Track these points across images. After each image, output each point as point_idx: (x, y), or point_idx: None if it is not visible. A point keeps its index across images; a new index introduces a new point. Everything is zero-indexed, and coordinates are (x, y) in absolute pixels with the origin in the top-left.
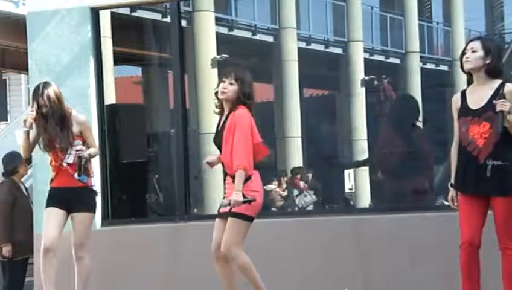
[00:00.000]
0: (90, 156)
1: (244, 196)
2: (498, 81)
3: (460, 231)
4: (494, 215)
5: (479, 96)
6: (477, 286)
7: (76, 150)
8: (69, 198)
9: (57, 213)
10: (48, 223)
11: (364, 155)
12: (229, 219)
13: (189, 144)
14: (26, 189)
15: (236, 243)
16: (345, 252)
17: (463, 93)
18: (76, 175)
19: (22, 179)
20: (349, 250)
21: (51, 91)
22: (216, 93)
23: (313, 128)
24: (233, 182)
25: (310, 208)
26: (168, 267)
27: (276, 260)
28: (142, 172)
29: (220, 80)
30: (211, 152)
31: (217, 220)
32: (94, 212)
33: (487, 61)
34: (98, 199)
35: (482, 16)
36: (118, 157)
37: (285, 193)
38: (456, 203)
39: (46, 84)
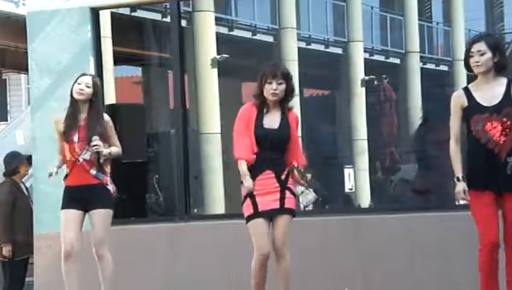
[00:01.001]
0: (111, 155)
1: (291, 189)
2: (504, 78)
3: (480, 231)
4: (506, 214)
5: (490, 93)
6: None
7: (93, 145)
8: (85, 195)
9: (74, 214)
10: (67, 226)
11: (364, 155)
12: (287, 216)
13: (189, 144)
14: (26, 189)
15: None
16: (345, 252)
17: (467, 90)
18: (92, 171)
19: (23, 179)
20: (349, 250)
21: (97, 80)
22: (260, 94)
23: (313, 128)
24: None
25: (310, 208)
26: (168, 267)
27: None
28: (142, 172)
29: (264, 81)
30: (211, 152)
31: (263, 220)
32: (112, 209)
33: (496, 60)
34: None
35: (482, 16)
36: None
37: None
38: (466, 197)
39: (92, 74)
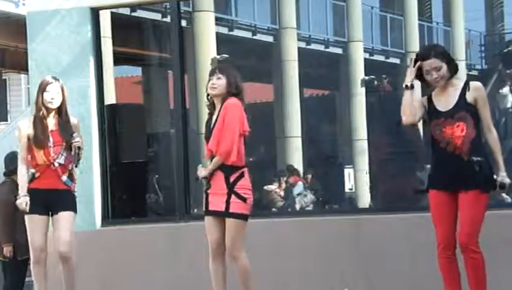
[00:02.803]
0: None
1: (238, 194)
2: (461, 80)
3: (436, 230)
4: (462, 211)
5: (446, 98)
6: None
7: (75, 142)
8: (52, 199)
9: (42, 220)
10: (35, 231)
11: (364, 155)
12: (232, 220)
13: (189, 144)
14: None
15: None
16: (345, 252)
17: (429, 97)
18: (63, 177)
19: None
20: (349, 250)
21: (62, 84)
22: (207, 95)
23: (313, 128)
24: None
25: (310, 208)
26: (168, 267)
27: (276, 260)
28: (142, 172)
29: (208, 81)
30: None
31: (210, 217)
32: (76, 213)
33: (450, 67)
34: (98, 199)
35: (482, 16)
36: (118, 157)
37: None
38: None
39: (55, 77)
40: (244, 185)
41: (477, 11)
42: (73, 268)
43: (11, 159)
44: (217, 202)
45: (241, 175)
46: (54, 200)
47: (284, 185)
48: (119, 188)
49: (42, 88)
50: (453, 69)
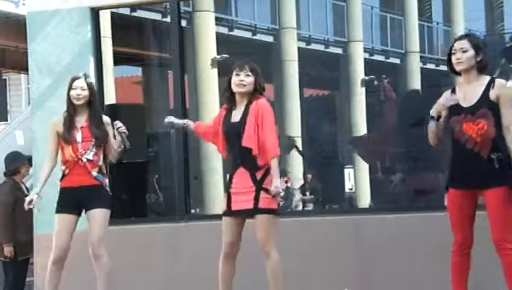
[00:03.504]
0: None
1: (267, 190)
2: (487, 77)
3: (452, 231)
4: (490, 210)
5: (470, 93)
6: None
7: (118, 127)
8: (83, 196)
9: (69, 219)
10: (61, 231)
11: None
12: (264, 216)
13: (189, 144)
14: (27, 189)
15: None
16: (345, 252)
17: (453, 91)
18: (93, 172)
19: (23, 179)
20: (349, 250)
21: (90, 80)
22: (227, 88)
23: (313, 128)
24: (250, 170)
25: (310, 208)
26: (168, 267)
27: None
28: (142, 172)
29: (231, 74)
30: (211, 152)
31: (231, 218)
32: (110, 209)
33: (478, 59)
34: None
35: (482, 16)
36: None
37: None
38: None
39: (85, 74)
40: (271, 181)
41: (477, 11)
42: (106, 267)
43: (11, 159)
44: (242, 201)
45: (267, 171)
46: (85, 196)
47: (284, 185)
48: (119, 188)
49: (69, 85)
50: (483, 64)
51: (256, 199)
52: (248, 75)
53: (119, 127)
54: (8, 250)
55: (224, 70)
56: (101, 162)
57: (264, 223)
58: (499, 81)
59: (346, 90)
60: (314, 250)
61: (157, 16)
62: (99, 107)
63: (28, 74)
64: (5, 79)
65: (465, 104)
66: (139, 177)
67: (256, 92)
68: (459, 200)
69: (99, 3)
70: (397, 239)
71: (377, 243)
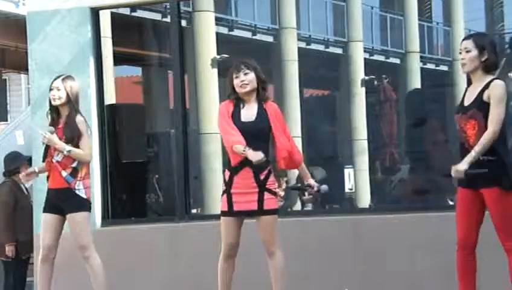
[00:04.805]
0: (69, 153)
1: (270, 190)
2: (490, 78)
3: (456, 228)
4: (490, 211)
5: (472, 94)
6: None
7: (43, 136)
8: (58, 200)
9: (52, 220)
10: (45, 231)
11: (364, 155)
12: (268, 217)
13: (189, 144)
14: (26, 189)
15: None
16: (345, 252)
17: (466, 89)
18: (63, 173)
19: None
20: (349, 250)
21: (68, 80)
22: (232, 92)
23: (313, 128)
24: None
25: (310, 208)
26: (168, 267)
27: None
28: (142, 172)
29: (231, 76)
30: (211, 152)
31: (232, 219)
32: (86, 210)
33: (483, 59)
34: (98, 199)
35: (482, 16)
36: (118, 157)
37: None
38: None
39: (63, 75)
40: (273, 181)
41: (477, 11)
42: (95, 267)
43: (11, 159)
44: (245, 201)
45: (270, 171)
46: (58, 200)
47: (284, 185)
48: (119, 188)
49: (50, 86)
50: (490, 63)
51: (260, 200)
52: (246, 73)
53: (44, 137)
54: (9, 250)
55: (224, 71)
56: (75, 165)
57: (269, 224)
58: (494, 82)
59: (346, 90)
60: (314, 250)
61: (157, 16)
62: (75, 107)
63: (28, 74)
64: (5, 79)
65: (466, 103)
66: (139, 177)
67: (261, 84)
68: (464, 198)
69: (99, 3)
70: (397, 239)
71: (377, 243)
